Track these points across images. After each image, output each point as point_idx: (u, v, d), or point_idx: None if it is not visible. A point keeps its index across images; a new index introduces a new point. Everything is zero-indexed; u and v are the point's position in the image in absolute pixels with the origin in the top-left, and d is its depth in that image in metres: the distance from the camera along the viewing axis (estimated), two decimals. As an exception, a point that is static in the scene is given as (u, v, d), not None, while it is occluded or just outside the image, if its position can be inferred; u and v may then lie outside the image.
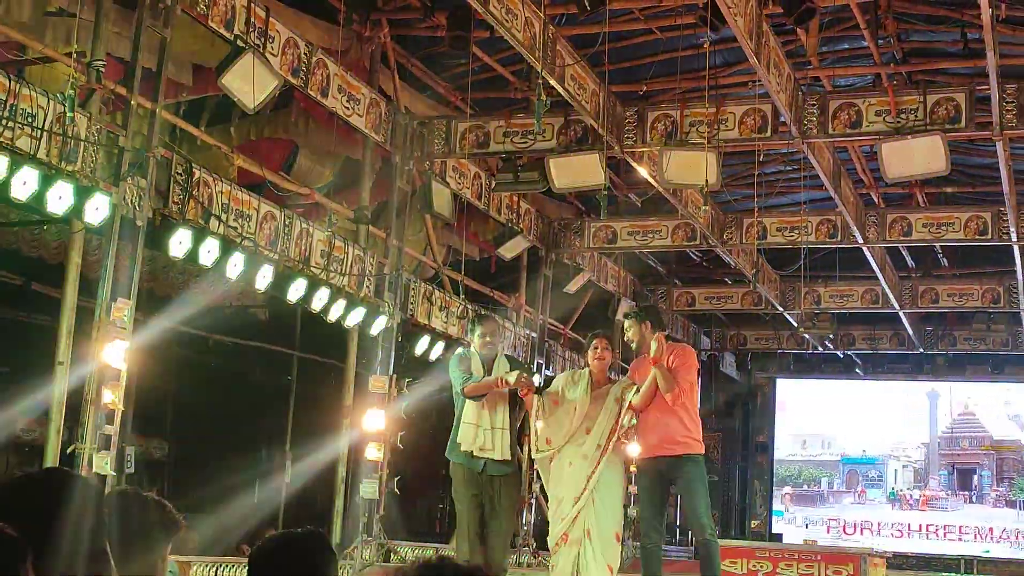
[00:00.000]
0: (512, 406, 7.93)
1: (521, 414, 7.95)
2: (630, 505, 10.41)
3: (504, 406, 7.89)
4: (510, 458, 7.86)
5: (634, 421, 7.61)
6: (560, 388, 7.71)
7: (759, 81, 10.56)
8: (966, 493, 22.01)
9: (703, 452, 7.63)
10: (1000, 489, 21.77)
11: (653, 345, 7.33)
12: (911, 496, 22.19)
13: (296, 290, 10.80)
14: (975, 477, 22.08)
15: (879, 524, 22.14)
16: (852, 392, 23.04)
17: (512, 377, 7.66)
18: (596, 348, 7.71)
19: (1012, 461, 21.90)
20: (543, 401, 7.63)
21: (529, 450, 7.98)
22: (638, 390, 7.49)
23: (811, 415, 23.17)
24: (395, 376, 12.40)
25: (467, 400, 7.84)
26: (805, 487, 22.97)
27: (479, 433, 7.78)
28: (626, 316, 8.01)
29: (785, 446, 23.15)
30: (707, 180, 11.10)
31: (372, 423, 12.00)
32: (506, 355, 8.42)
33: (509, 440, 7.85)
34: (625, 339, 7.81)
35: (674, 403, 7.37)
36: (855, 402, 22.77)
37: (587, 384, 7.63)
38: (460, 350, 8.61)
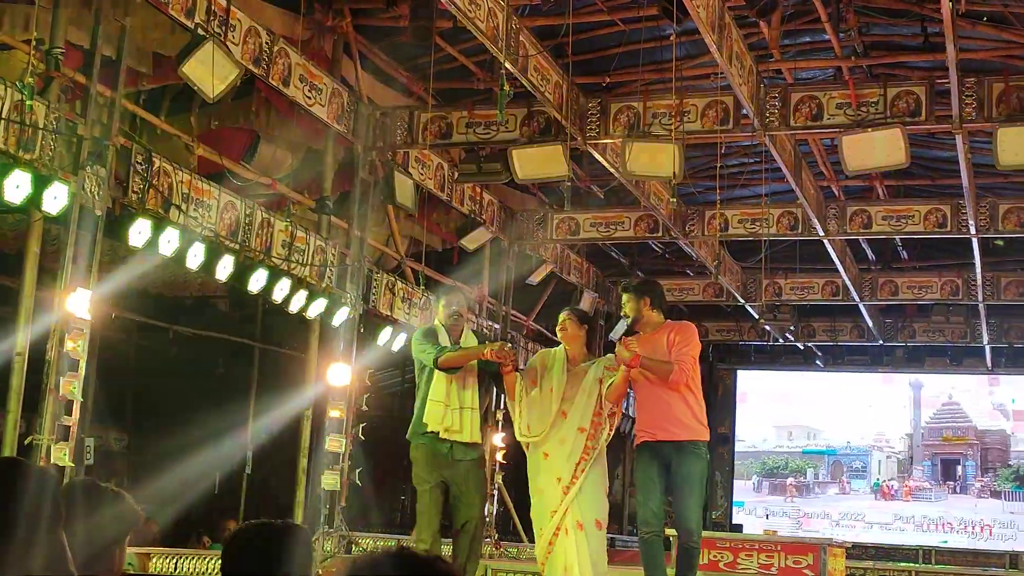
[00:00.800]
0: (481, 385, 7.27)
1: (490, 394, 7.39)
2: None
3: (474, 384, 7.20)
4: (479, 441, 7.24)
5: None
6: (537, 367, 7.14)
7: (721, 73, 10.58)
8: (950, 484, 22.29)
9: (707, 439, 6.97)
10: (984, 479, 22.05)
11: (620, 351, 6.75)
12: (892, 487, 22.45)
13: (257, 281, 10.75)
14: (959, 468, 22.34)
15: (840, 514, 22.37)
16: (834, 383, 23.26)
17: (498, 346, 7.05)
18: (565, 328, 7.16)
19: (997, 452, 22.18)
20: (524, 381, 7.08)
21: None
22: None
23: (791, 406, 23.43)
24: (357, 367, 12.37)
25: (435, 377, 7.12)
26: (793, 478, 23.18)
27: (447, 413, 7.10)
28: (624, 289, 7.26)
29: (762, 437, 23.39)
30: (674, 172, 11.14)
31: (333, 414, 11.97)
32: (472, 331, 7.71)
33: (479, 421, 7.21)
34: (622, 315, 7.05)
35: (678, 383, 6.78)
36: (838, 393, 23.05)
37: (562, 363, 7.06)
38: (424, 325, 7.86)
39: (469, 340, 7.35)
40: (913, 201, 15.19)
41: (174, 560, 9.32)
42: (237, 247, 10.55)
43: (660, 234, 15.91)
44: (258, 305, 13.72)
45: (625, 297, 7.15)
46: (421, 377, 7.34)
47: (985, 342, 20.06)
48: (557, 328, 7.24)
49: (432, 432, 7.09)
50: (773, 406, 23.70)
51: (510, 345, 7.28)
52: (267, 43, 10.33)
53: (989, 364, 21.46)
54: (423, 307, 13.96)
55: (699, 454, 6.87)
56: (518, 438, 7.18)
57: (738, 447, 23.59)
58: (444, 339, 7.21)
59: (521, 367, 7.32)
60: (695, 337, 7.04)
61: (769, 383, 23.88)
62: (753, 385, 23.94)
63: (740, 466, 23.55)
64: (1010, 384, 22.16)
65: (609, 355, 7.11)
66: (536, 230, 16.13)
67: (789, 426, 23.52)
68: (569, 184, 12.11)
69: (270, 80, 10.56)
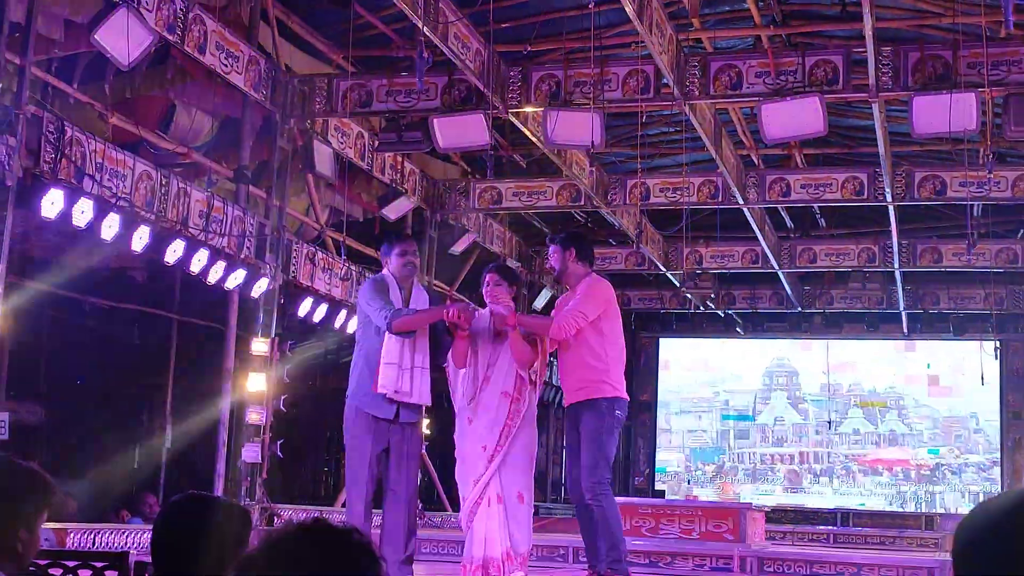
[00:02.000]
0: (432, 344, 6.85)
1: (439, 352, 6.91)
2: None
3: (425, 342, 6.78)
4: (428, 403, 6.89)
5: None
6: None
7: (642, 42, 10.59)
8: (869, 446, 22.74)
9: (609, 395, 6.85)
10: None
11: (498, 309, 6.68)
12: (810, 454, 22.82)
13: (174, 252, 10.60)
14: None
15: (760, 478, 22.70)
16: (754, 349, 23.59)
17: (460, 307, 6.68)
18: (487, 284, 6.90)
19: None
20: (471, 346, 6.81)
21: None
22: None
23: (712, 373, 23.74)
24: (277, 339, 12.27)
25: (387, 336, 6.65)
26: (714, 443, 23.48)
27: (401, 375, 6.67)
28: (550, 241, 7.11)
29: (684, 404, 23.66)
30: (592, 141, 11.15)
31: (254, 386, 11.87)
32: (422, 285, 7.34)
33: (428, 382, 6.81)
34: (546, 267, 7.13)
35: (558, 337, 6.71)
36: (758, 359, 23.39)
37: (488, 325, 6.80)
38: (374, 277, 7.17)
39: (419, 293, 7.02)
40: (831, 169, 15.36)
41: (92, 535, 9.18)
42: (153, 217, 10.39)
43: (582, 203, 15.93)
44: (175, 276, 13.52)
45: (551, 249, 7.10)
46: (366, 331, 6.91)
47: (901, 308, 20.39)
48: (483, 284, 6.96)
49: (379, 394, 6.70)
50: (694, 373, 23.96)
51: (473, 307, 6.90)
52: (182, 10, 10.13)
53: (905, 330, 21.83)
54: (344, 277, 13.86)
55: (594, 407, 6.85)
56: (457, 406, 6.91)
57: (660, 413, 23.80)
58: (395, 293, 6.82)
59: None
60: (596, 293, 6.93)
61: (690, 350, 24.10)
62: (675, 353, 24.15)
63: (662, 434, 23.77)
64: (925, 349, 22.58)
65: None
66: (459, 199, 16.08)
67: (710, 392, 23.80)
68: (491, 153, 12.05)
69: (185, 48, 10.37)
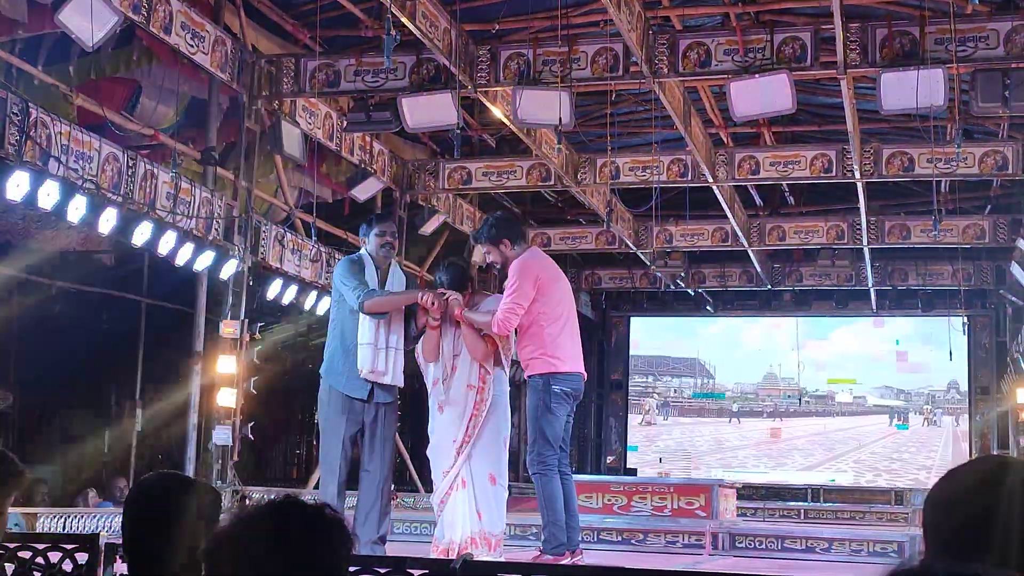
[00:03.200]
0: (407, 322, 6.91)
1: (416, 333, 6.94)
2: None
3: (400, 322, 6.84)
4: (402, 384, 6.94)
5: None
6: None
7: (610, 20, 10.57)
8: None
9: (544, 371, 6.83)
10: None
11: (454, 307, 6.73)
12: (781, 429, 22.96)
13: (142, 234, 10.53)
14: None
15: (731, 455, 22.82)
16: (724, 327, 23.69)
17: (435, 294, 6.68)
18: (444, 295, 6.89)
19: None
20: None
21: None
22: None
23: (682, 350, 23.84)
24: (247, 321, 12.21)
25: (363, 316, 6.70)
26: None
27: (377, 355, 6.71)
28: (475, 241, 7.17)
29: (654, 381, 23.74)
30: (561, 120, 11.13)
31: (224, 369, 11.82)
32: (400, 267, 7.32)
33: (402, 362, 6.85)
34: (489, 264, 6.95)
35: (503, 333, 6.72)
36: (728, 337, 23.51)
37: (452, 319, 6.84)
38: (350, 256, 7.14)
39: (397, 277, 7.01)
40: (800, 147, 15.39)
41: (62, 519, 9.13)
42: (120, 199, 10.31)
43: (552, 183, 15.91)
44: (143, 259, 13.44)
45: (484, 250, 7.05)
46: (340, 310, 6.90)
47: (870, 285, 20.50)
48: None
49: (353, 374, 6.73)
50: (665, 351, 24.04)
51: (455, 295, 6.81)
52: (147, -11, 10.04)
53: (874, 307, 21.96)
54: (313, 259, 13.81)
55: (534, 388, 6.87)
56: (428, 388, 6.93)
57: (631, 392, 23.87)
58: (371, 273, 6.82)
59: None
60: (524, 274, 6.82)
61: (661, 329, 24.17)
62: (645, 331, 24.21)
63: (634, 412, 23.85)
64: (893, 325, 22.72)
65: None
66: (428, 180, 16.03)
67: (681, 369, 23.91)
68: (458, 132, 12.01)
69: (151, 28, 10.27)
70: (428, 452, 6.96)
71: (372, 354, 6.70)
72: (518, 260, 6.91)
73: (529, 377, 6.91)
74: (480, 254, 7.22)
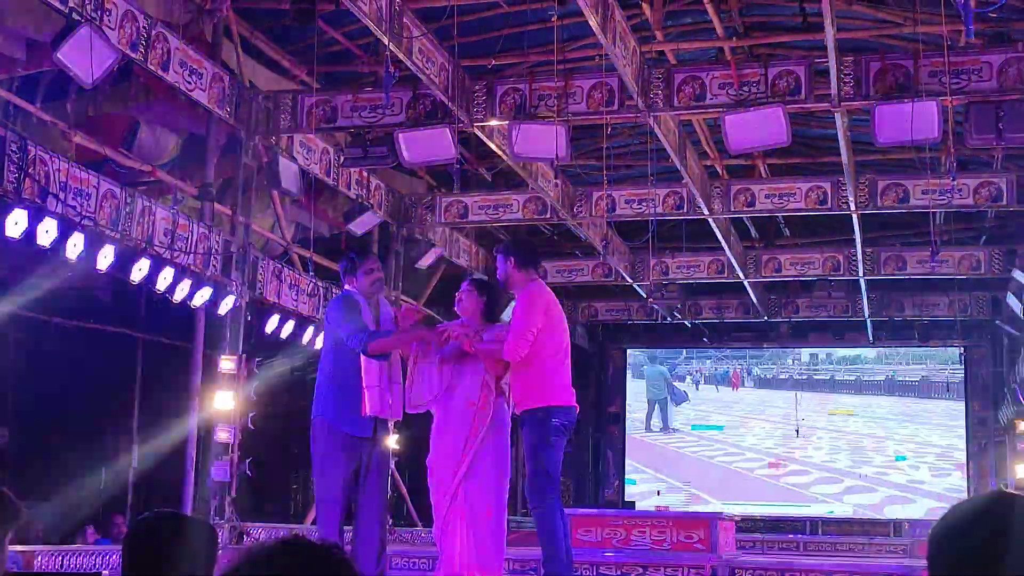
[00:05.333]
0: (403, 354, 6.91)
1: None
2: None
3: (397, 356, 6.84)
4: (400, 417, 6.94)
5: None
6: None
7: (606, 55, 10.64)
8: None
9: (542, 404, 6.78)
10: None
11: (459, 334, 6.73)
12: (781, 461, 22.92)
13: (139, 270, 10.55)
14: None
15: (731, 489, 22.76)
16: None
17: (444, 331, 6.69)
18: (461, 300, 7.03)
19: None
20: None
21: None
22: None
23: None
24: (244, 356, 12.21)
25: (365, 358, 6.62)
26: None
27: (383, 395, 6.68)
28: (495, 252, 7.18)
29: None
30: (558, 154, 11.18)
31: (222, 404, 11.81)
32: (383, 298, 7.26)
33: (401, 395, 6.84)
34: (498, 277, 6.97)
35: (515, 358, 6.68)
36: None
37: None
38: (341, 295, 7.00)
39: (385, 311, 6.96)
40: (795, 179, 15.45)
41: (60, 557, 9.09)
42: (118, 236, 10.33)
43: (548, 216, 15.96)
44: (141, 295, 13.45)
45: (497, 259, 7.12)
46: (339, 349, 6.77)
47: (866, 316, 20.52)
48: (456, 300, 7.01)
49: (356, 413, 6.66)
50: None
51: (453, 331, 6.80)
52: (145, 27, 10.09)
53: (870, 338, 21.98)
54: (311, 293, 13.82)
55: (532, 421, 6.79)
56: (425, 401, 6.88)
57: (629, 425, 23.82)
58: (367, 313, 6.73)
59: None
60: (535, 302, 6.87)
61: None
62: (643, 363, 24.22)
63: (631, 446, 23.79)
64: (890, 357, 22.74)
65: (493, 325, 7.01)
66: (425, 214, 16.07)
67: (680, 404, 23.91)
68: (457, 167, 12.06)
69: (148, 65, 10.32)
70: (429, 479, 6.89)
71: (379, 396, 6.67)
72: (529, 288, 6.93)
73: (527, 411, 6.83)
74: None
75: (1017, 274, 16.76)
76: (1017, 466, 18.73)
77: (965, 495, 18.52)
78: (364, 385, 6.67)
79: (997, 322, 20.23)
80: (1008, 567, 1.73)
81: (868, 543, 17.33)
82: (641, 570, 10.02)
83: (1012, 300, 18.08)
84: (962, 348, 21.99)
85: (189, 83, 10.98)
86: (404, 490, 16.38)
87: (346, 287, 7.00)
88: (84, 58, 8.84)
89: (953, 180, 12.20)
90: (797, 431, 22.96)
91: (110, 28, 9.48)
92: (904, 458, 22.41)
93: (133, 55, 10.03)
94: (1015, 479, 18.66)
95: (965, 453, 21.84)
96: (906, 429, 22.64)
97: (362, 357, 6.64)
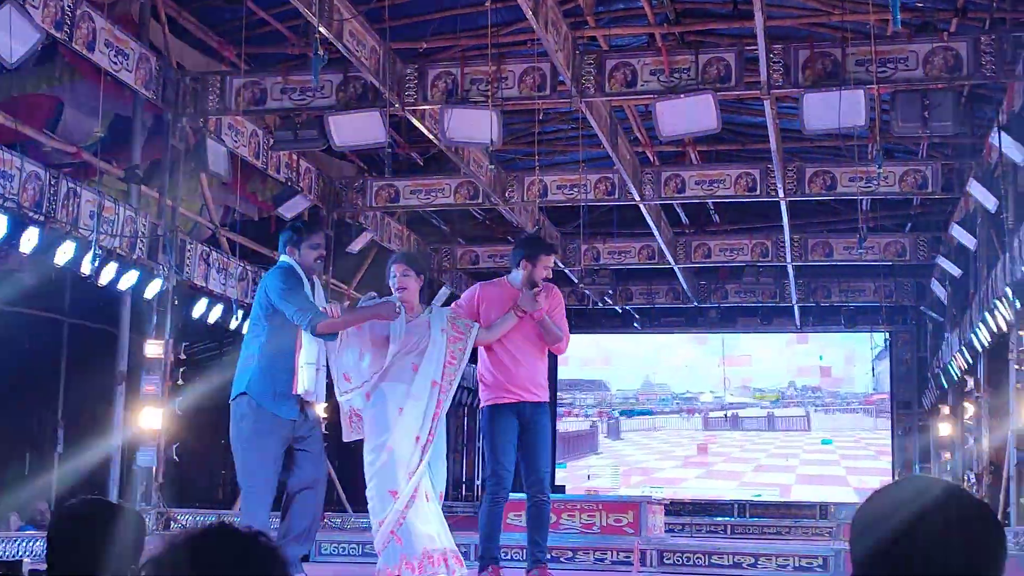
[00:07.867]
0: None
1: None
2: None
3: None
4: (323, 400, 6.74)
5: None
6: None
7: (538, 40, 10.63)
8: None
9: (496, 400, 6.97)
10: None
11: (531, 298, 6.73)
12: (708, 445, 23.11)
13: (64, 253, 10.37)
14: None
15: (659, 472, 22.94)
16: (652, 344, 23.83)
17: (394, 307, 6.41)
18: (395, 275, 6.61)
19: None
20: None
21: None
22: (482, 327, 6.76)
23: (610, 368, 23.92)
24: (171, 340, 12.08)
25: (307, 337, 6.34)
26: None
27: (316, 375, 6.46)
28: (552, 252, 7.32)
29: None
30: (491, 139, 11.16)
31: (148, 389, 11.67)
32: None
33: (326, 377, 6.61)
34: (544, 278, 6.93)
35: (561, 351, 7.18)
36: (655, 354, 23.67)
37: (402, 315, 6.47)
38: (283, 267, 6.57)
39: (318, 288, 6.63)
40: (724, 166, 15.57)
41: (-18, 545, 8.94)
42: (42, 219, 10.17)
43: (480, 200, 15.95)
44: (66, 278, 13.23)
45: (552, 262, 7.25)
46: (271, 325, 6.45)
47: (794, 302, 20.75)
48: (388, 278, 6.69)
49: (285, 393, 6.37)
50: (593, 369, 24.12)
51: (400, 305, 6.50)
52: (69, 6, 9.91)
53: (798, 323, 22.23)
54: (240, 277, 13.70)
55: (548, 412, 7.15)
56: (337, 397, 6.60)
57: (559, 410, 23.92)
58: (307, 288, 6.43)
59: None
60: (562, 300, 7.23)
61: (589, 346, 24.25)
62: (573, 349, 24.24)
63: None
64: (817, 342, 23.02)
65: (447, 308, 6.84)
66: (355, 198, 15.99)
67: (610, 388, 24.03)
68: (388, 151, 12.00)
69: (73, 45, 10.15)
70: (381, 464, 6.44)
71: (314, 375, 6.43)
72: (558, 291, 7.15)
73: (547, 402, 7.09)
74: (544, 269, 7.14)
75: (942, 260, 17.04)
76: (942, 451, 19.08)
77: (890, 479, 18.83)
78: (300, 363, 6.41)
79: (922, 308, 20.57)
80: (926, 549, 1.76)
81: (794, 526, 17.56)
82: (571, 553, 10.07)
83: (936, 286, 18.39)
84: (887, 333, 22.33)
85: (115, 64, 10.81)
86: (333, 475, 16.30)
87: (285, 258, 6.62)
88: (6, 37, 8.67)
89: (879, 168, 12.33)
90: (726, 416, 23.19)
91: (33, 7, 9.30)
92: (830, 442, 22.72)
93: (57, 34, 9.85)
94: (938, 463, 19.00)
95: (890, 437, 22.18)
96: (831, 414, 22.94)
97: (302, 334, 6.36)
